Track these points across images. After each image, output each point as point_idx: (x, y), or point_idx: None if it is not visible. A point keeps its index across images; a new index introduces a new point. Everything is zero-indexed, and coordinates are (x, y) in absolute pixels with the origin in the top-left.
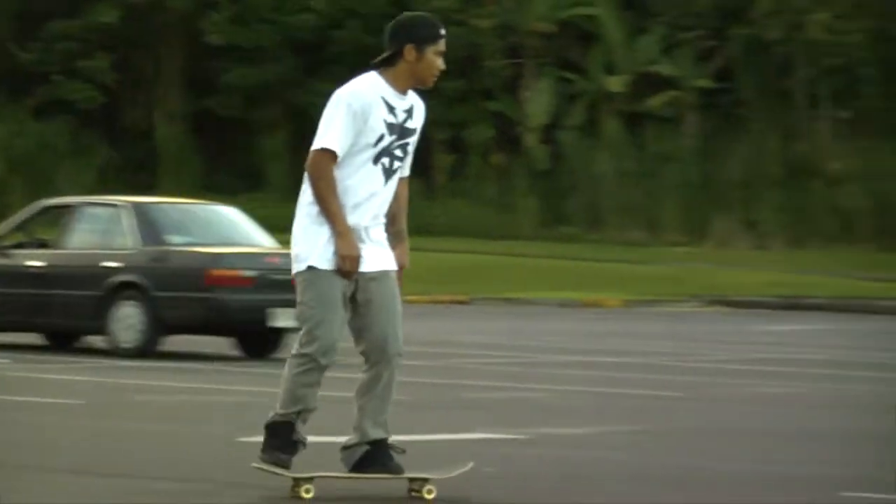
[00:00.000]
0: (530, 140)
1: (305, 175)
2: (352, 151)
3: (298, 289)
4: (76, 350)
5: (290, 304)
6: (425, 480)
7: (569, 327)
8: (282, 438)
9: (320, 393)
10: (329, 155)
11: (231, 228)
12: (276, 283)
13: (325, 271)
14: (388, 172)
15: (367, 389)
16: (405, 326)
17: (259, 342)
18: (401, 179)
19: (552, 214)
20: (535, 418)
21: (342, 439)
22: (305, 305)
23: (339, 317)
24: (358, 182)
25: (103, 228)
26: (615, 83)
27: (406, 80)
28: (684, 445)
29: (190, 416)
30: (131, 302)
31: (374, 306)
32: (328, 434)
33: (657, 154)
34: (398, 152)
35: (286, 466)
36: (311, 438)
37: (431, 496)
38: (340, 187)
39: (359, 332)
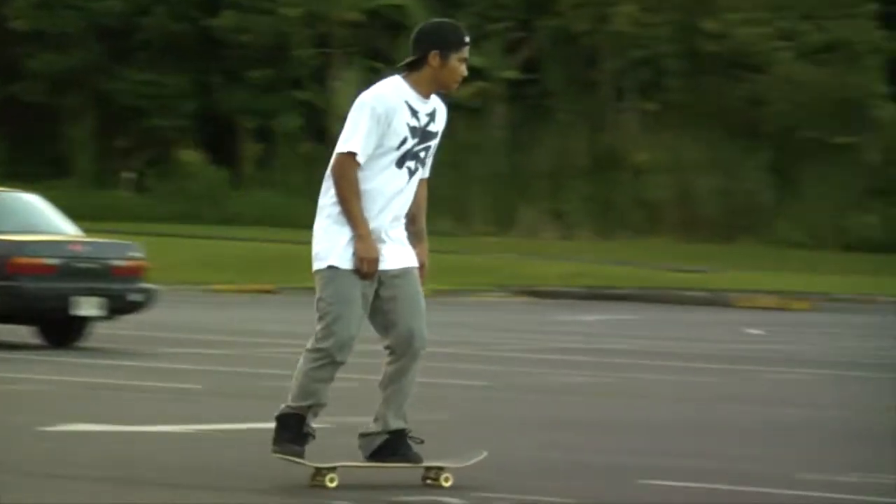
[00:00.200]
0: (339, 130)
1: (327, 175)
2: (375, 154)
3: (318, 285)
4: None
5: (94, 292)
6: (441, 469)
7: None
8: (293, 430)
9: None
10: (352, 158)
11: (34, 216)
12: (80, 271)
13: (346, 270)
14: (410, 175)
15: (390, 381)
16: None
17: (62, 331)
18: (420, 181)
19: None
20: (341, 407)
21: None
22: (324, 301)
23: (357, 314)
24: (381, 184)
25: None
26: None
27: (429, 85)
28: (487, 434)
29: None
30: None
31: (399, 302)
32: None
33: (465, 145)
34: (421, 155)
35: (302, 456)
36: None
37: (448, 484)
38: (363, 189)
39: (384, 327)
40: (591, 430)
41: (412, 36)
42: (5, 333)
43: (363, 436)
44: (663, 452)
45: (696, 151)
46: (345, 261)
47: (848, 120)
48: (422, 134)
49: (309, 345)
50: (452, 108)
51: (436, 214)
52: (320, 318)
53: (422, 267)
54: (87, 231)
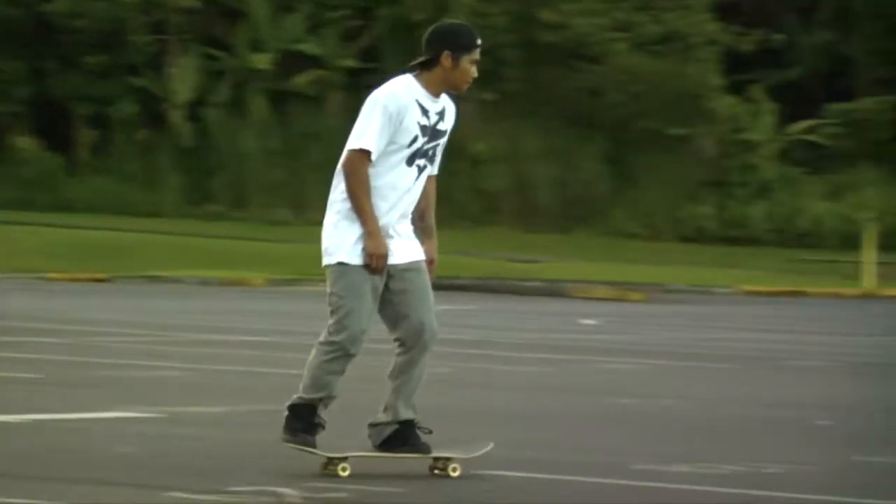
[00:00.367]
0: (175, 117)
1: (337, 171)
2: (386, 152)
3: (329, 280)
4: None
5: None
6: (448, 459)
7: (213, 306)
8: (304, 421)
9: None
10: (364, 155)
11: None
12: None
13: (355, 266)
14: (419, 172)
15: (400, 372)
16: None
17: None
18: (429, 177)
19: (197, 192)
20: (174, 397)
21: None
22: (336, 295)
23: (368, 308)
24: (390, 181)
25: None
26: (261, 61)
27: (440, 85)
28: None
29: None
30: None
31: (409, 295)
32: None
33: (302, 133)
34: (429, 153)
35: (314, 446)
36: None
37: (456, 474)
38: (373, 186)
39: (394, 320)
40: (426, 420)
41: (425, 36)
42: None
43: (373, 425)
44: (496, 443)
45: (533, 141)
46: (354, 257)
47: (683, 111)
48: (431, 132)
49: (321, 338)
50: (289, 96)
51: (272, 202)
52: (332, 312)
53: (431, 262)
54: None
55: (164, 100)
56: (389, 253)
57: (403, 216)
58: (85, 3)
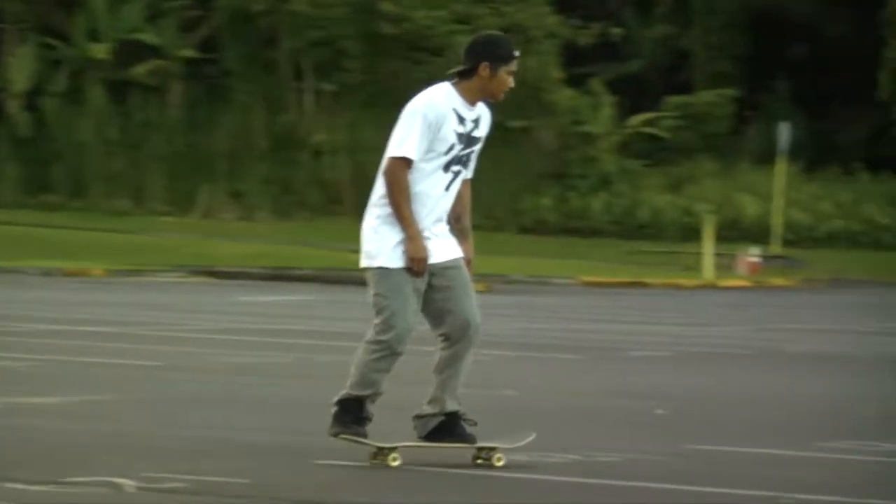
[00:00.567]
0: (12, 106)
1: (378, 176)
2: (424, 159)
3: (371, 282)
4: None
5: None
6: (492, 449)
7: (52, 296)
8: (354, 414)
9: None
10: (405, 162)
11: None
12: None
13: (396, 268)
14: (454, 178)
15: (446, 366)
16: None
17: None
18: (463, 181)
19: (35, 182)
20: (12, 388)
21: None
22: (380, 296)
23: (413, 307)
24: (428, 187)
25: None
26: (98, 50)
27: (477, 94)
28: (162, 413)
29: None
30: None
31: (453, 291)
32: None
33: (142, 123)
34: (464, 159)
35: (365, 437)
36: None
37: (501, 463)
38: (411, 192)
39: (438, 316)
40: (264, 409)
41: (465, 46)
42: None
43: (418, 417)
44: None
45: (374, 133)
46: (395, 260)
47: (523, 104)
48: (467, 140)
49: (368, 336)
50: (129, 86)
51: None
52: (378, 313)
53: (469, 262)
54: None
55: (1, 90)
56: (429, 254)
57: (439, 220)
58: None
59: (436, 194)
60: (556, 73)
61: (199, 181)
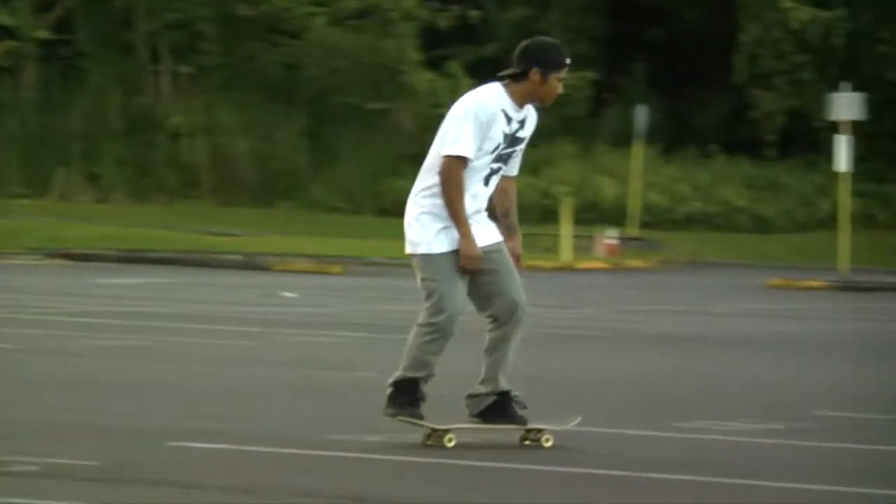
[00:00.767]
0: None
1: (424, 170)
2: (474, 157)
3: (418, 267)
4: None
5: None
6: (541, 431)
7: None
8: (409, 396)
9: None
10: (462, 161)
11: None
12: None
13: (440, 253)
14: (494, 174)
15: (496, 346)
16: None
17: None
18: (510, 178)
19: None
20: None
21: None
22: (428, 280)
23: (461, 289)
24: (471, 183)
25: None
26: None
27: (526, 98)
28: (14, 396)
29: None
30: None
31: (499, 275)
32: None
33: None
34: (505, 157)
35: (421, 418)
36: None
37: (549, 444)
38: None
39: (486, 299)
40: (120, 392)
41: (517, 50)
42: None
43: (471, 396)
44: (194, 415)
45: (232, 115)
46: (437, 246)
47: (382, 86)
48: (511, 140)
49: (420, 320)
50: None
51: None
52: (427, 297)
53: (517, 258)
54: None
55: None
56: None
57: (478, 211)
58: None
59: (477, 189)
60: (415, 56)
61: (55, 163)
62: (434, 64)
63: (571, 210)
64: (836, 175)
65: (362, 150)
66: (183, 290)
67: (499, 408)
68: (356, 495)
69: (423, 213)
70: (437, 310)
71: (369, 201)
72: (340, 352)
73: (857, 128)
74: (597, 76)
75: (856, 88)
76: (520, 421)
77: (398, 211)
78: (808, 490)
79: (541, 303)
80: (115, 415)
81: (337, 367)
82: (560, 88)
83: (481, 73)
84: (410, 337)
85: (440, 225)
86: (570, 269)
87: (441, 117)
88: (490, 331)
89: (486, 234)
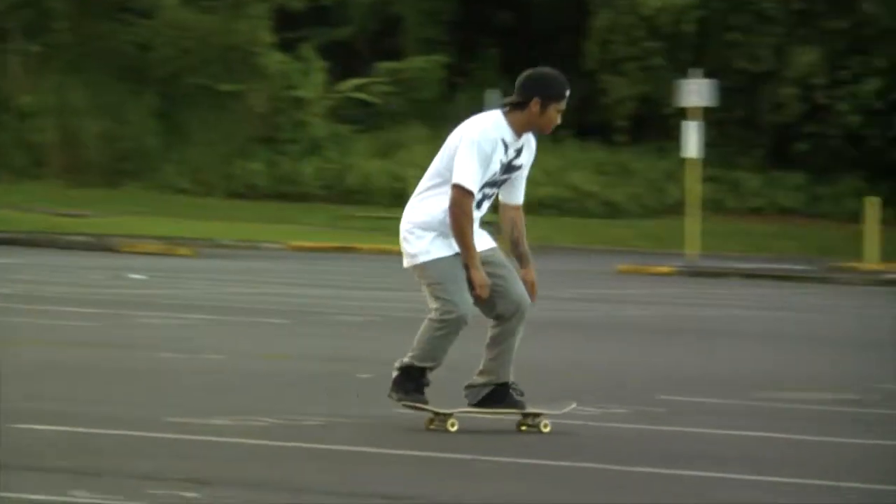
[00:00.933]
0: None
1: (420, 193)
2: None
3: (422, 276)
4: None
5: None
6: (538, 415)
7: None
8: (415, 382)
9: None
10: (471, 194)
11: None
12: None
13: (438, 258)
14: (487, 199)
15: (500, 341)
16: None
17: None
18: (515, 207)
19: None
20: None
21: None
22: (433, 286)
23: (466, 288)
24: None
25: None
26: None
27: (525, 127)
28: None
29: None
30: None
31: (500, 277)
32: None
33: None
34: (499, 183)
35: (427, 404)
36: None
37: (547, 430)
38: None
39: (491, 302)
40: None
41: (520, 79)
42: None
43: (470, 387)
44: (31, 397)
45: (81, 95)
46: (433, 252)
47: (234, 67)
48: (507, 167)
49: (433, 315)
50: None
51: None
52: (437, 300)
53: (532, 286)
54: None
55: None
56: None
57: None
58: None
59: (474, 215)
60: (268, 37)
61: None
62: (287, 46)
63: None
64: (684, 161)
65: (214, 132)
66: (27, 271)
67: (497, 396)
68: (200, 478)
69: (414, 227)
70: (449, 307)
71: (220, 183)
72: (186, 334)
73: (707, 114)
74: (449, 60)
75: (707, 75)
76: (518, 406)
77: (249, 193)
78: (658, 474)
79: (391, 286)
80: None
81: (182, 349)
82: (558, 119)
83: (334, 56)
84: (422, 328)
85: (433, 233)
86: None
87: (293, 100)
88: (492, 327)
89: (479, 240)
